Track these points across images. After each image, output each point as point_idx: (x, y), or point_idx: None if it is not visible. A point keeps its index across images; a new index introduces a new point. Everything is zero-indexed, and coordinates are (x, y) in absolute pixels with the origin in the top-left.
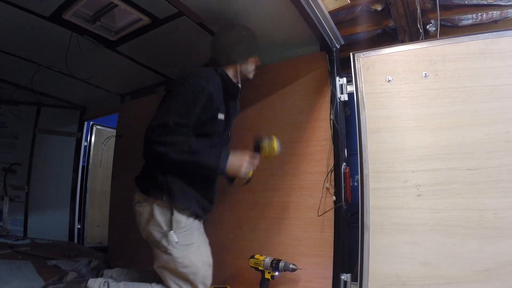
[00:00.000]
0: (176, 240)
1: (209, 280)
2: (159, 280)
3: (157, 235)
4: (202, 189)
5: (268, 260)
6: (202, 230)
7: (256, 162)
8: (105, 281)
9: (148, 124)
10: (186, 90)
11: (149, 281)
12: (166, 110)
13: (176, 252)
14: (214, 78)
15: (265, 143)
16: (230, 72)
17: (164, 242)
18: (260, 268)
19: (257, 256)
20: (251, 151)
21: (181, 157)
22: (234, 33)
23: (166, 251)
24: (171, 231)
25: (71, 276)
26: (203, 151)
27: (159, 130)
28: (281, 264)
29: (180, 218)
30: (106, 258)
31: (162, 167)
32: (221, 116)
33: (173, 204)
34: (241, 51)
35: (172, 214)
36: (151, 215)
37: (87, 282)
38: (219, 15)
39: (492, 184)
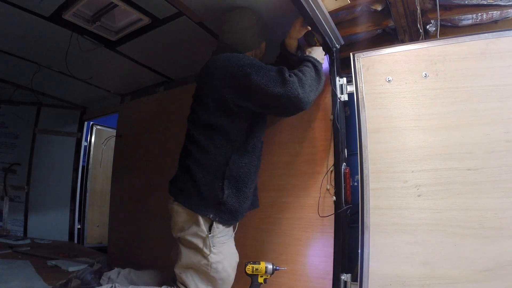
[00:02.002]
0: (214, 245)
1: (231, 285)
2: (169, 282)
3: (194, 237)
4: (247, 201)
5: (270, 266)
6: (233, 235)
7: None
8: (111, 286)
9: (283, 106)
10: (253, 69)
11: (155, 283)
12: (270, 87)
13: (212, 257)
14: (247, 61)
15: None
16: (255, 54)
17: (201, 245)
18: (263, 276)
19: (262, 262)
20: None
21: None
22: (246, 17)
23: (202, 254)
24: (211, 235)
25: (75, 283)
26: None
27: (293, 88)
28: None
29: (220, 226)
30: (108, 261)
31: (217, 181)
32: None
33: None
34: (255, 36)
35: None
36: (190, 217)
37: None
38: (219, 15)
39: (492, 184)
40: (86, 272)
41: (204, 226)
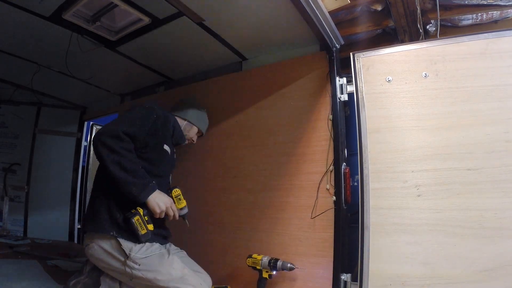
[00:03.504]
0: (138, 263)
1: (189, 279)
2: None
3: (118, 267)
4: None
5: (265, 259)
6: (161, 249)
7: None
8: None
9: (100, 128)
10: (140, 109)
11: None
12: (119, 120)
13: (145, 273)
14: (167, 114)
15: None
16: (180, 122)
17: (128, 270)
18: (257, 267)
19: (254, 255)
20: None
21: (112, 167)
22: (197, 105)
23: (134, 277)
24: (128, 259)
25: (89, 265)
26: (135, 173)
27: (107, 133)
28: (279, 263)
29: (129, 245)
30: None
31: (110, 202)
32: (166, 147)
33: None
34: (194, 115)
35: (120, 244)
36: (103, 251)
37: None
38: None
39: (492, 184)
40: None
41: (117, 254)
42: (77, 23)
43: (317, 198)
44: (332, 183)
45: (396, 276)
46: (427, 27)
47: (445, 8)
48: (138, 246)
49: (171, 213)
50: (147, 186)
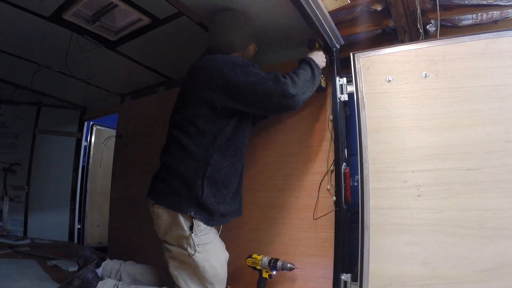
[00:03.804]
0: (198, 244)
1: (225, 282)
2: (170, 282)
3: (178, 238)
4: (231, 202)
5: (265, 259)
6: (218, 235)
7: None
8: (115, 284)
9: (274, 104)
10: (242, 69)
11: (156, 281)
12: (260, 85)
13: (197, 256)
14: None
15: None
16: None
17: (185, 245)
18: (257, 267)
19: (254, 255)
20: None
21: (307, 89)
22: (234, 19)
23: (188, 254)
24: (193, 234)
25: (76, 282)
26: (301, 79)
27: (285, 87)
28: (279, 263)
29: (201, 224)
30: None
31: (197, 177)
32: None
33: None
34: (243, 37)
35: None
36: (172, 217)
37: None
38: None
39: (492, 184)
40: (87, 271)
41: (185, 226)
42: (77, 23)
43: (318, 198)
44: (333, 183)
45: (396, 276)
46: (427, 27)
47: (445, 8)
48: (206, 229)
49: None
50: (314, 71)
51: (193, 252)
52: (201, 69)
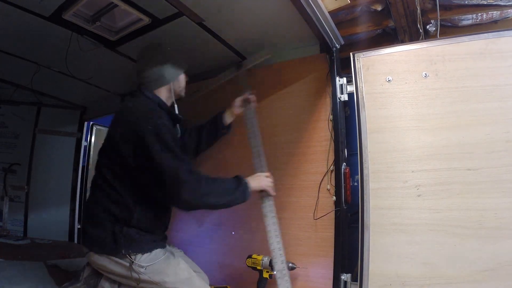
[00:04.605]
0: (144, 265)
1: (201, 283)
2: None
3: (124, 272)
4: (160, 221)
5: (266, 259)
6: (165, 252)
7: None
8: None
9: (164, 190)
10: (158, 135)
11: None
12: (166, 165)
13: (150, 276)
14: (158, 111)
15: None
16: (163, 95)
17: (135, 275)
18: (258, 267)
19: (254, 255)
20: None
21: (214, 204)
22: (158, 51)
23: (138, 282)
24: (134, 263)
25: (86, 271)
26: (221, 188)
27: (186, 187)
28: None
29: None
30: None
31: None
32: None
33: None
34: (171, 70)
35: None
36: (106, 258)
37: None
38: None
39: (492, 184)
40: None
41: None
42: (77, 23)
43: (318, 198)
44: (333, 183)
45: (396, 276)
46: (427, 27)
47: (445, 8)
48: (144, 255)
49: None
50: (240, 186)
51: (137, 276)
52: (122, 116)
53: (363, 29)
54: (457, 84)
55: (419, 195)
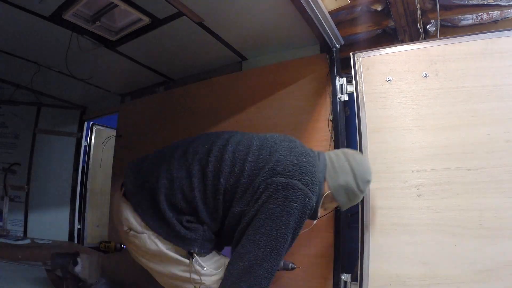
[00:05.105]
0: (202, 265)
1: None
2: None
3: (179, 273)
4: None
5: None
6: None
7: None
8: None
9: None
10: (293, 226)
11: None
12: (263, 261)
13: (208, 279)
14: (313, 202)
15: None
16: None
17: (194, 276)
18: None
19: None
20: None
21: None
22: (362, 188)
23: (198, 286)
24: (194, 259)
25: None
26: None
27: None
28: (281, 263)
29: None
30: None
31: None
32: None
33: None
34: (347, 199)
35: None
36: (159, 252)
37: None
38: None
39: (492, 184)
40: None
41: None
42: (77, 23)
43: None
44: None
45: (396, 276)
46: (427, 27)
47: (445, 8)
48: (208, 256)
49: None
50: None
51: (199, 278)
52: (260, 161)
53: (363, 29)
54: (457, 84)
55: (419, 195)
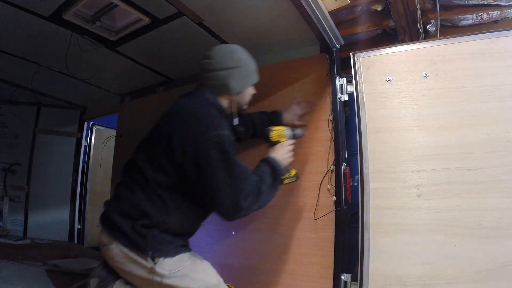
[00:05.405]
0: (167, 269)
1: None
2: None
3: (144, 274)
4: (193, 227)
5: (288, 130)
6: (190, 256)
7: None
8: None
9: (219, 207)
10: (224, 151)
11: None
12: (227, 186)
13: (175, 281)
14: (222, 120)
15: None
16: (224, 102)
17: (157, 278)
18: (282, 139)
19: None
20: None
21: (266, 201)
22: (233, 57)
23: (163, 286)
24: (156, 264)
25: (93, 282)
26: (262, 186)
27: (241, 213)
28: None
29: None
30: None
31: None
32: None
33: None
34: (240, 80)
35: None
36: (126, 257)
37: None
38: (219, 15)
39: (492, 184)
40: (99, 268)
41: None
42: (77, 23)
43: (318, 198)
44: (333, 183)
45: (396, 276)
46: (427, 27)
47: (445, 8)
48: (167, 259)
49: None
50: (275, 174)
51: (160, 279)
52: (177, 116)
53: (363, 29)
54: (457, 84)
55: (419, 195)
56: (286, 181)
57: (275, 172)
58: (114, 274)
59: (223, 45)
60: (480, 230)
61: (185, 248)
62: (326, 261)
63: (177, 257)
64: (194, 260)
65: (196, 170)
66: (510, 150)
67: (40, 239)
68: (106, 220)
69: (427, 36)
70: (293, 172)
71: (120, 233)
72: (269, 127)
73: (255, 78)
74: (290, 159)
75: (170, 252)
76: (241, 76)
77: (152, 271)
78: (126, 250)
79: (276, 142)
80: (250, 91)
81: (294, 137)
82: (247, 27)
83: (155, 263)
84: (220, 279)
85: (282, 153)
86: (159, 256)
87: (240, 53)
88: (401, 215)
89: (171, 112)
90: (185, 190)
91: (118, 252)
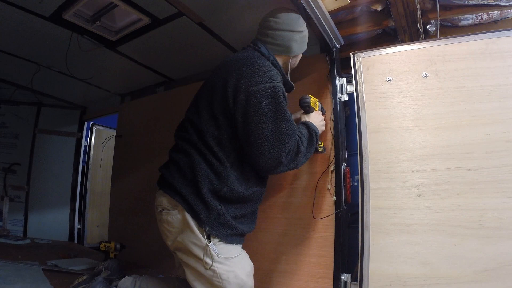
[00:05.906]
0: (217, 252)
1: None
2: None
3: (194, 248)
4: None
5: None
6: (241, 251)
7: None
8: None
9: (261, 158)
10: (276, 103)
11: None
12: (273, 139)
13: (219, 267)
14: (277, 74)
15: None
16: (280, 62)
17: (205, 257)
18: (316, 109)
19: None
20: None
21: (306, 157)
22: (299, 23)
23: (208, 267)
24: (211, 243)
25: (104, 273)
26: (303, 140)
27: (281, 168)
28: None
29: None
30: (120, 267)
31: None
32: None
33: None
34: (300, 44)
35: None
36: (186, 225)
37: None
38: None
39: (492, 184)
40: (97, 283)
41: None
42: (77, 23)
43: (318, 198)
44: (333, 183)
45: (396, 276)
46: (427, 27)
47: (445, 8)
48: (222, 243)
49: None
50: (312, 138)
51: (210, 263)
52: (237, 65)
53: (363, 29)
54: (457, 84)
55: (419, 195)
56: (319, 149)
57: (313, 136)
58: (123, 271)
59: (289, 10)
60: (480, 230)
61: (241, 239)
62: (326, 261)
63: (231, 246)
64: (243, 256)
65: (245, 118)
66: (510, 150)
67: (40, 239)
68: (166, 185)
69: (427, 36)
70: (322, 143)
71: (183, 200)
72: (306, 94)
73: (306, 46)
74: (323, 128)
75: (227, 239)
76: (302, 41)
77: (205, 248)
78: (189, 218)
79: (312, 109)
80: (300, 57)
81: (322, 110)
82: (247, 27)
83: (209, 241)
84: (250, 284)
85: (318, 120)
86: (216, 237)
87: (303, 21)
88: (401, 215)
89: (227, 61)
90: (236, 146)
91: (180, 217)
